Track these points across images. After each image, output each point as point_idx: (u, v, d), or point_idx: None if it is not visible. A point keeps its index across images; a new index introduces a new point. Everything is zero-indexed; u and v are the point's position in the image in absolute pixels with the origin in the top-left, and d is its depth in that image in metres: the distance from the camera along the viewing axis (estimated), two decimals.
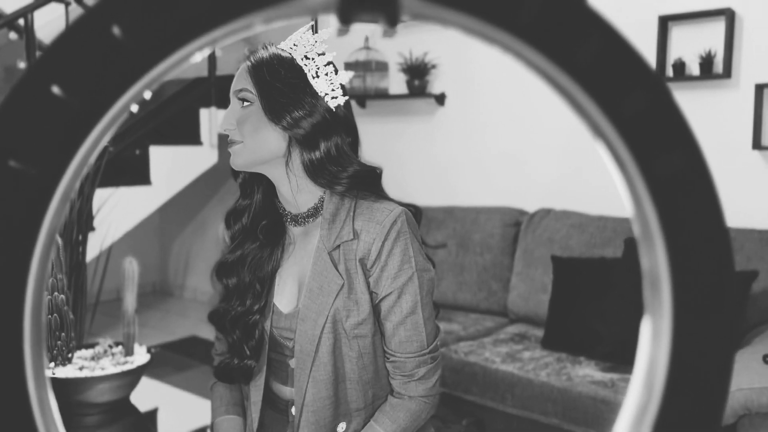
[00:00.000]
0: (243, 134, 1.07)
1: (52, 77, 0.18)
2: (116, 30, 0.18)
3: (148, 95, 0.20)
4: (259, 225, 1.17)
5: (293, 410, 1.16)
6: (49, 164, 0.19)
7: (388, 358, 1.14)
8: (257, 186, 1.18)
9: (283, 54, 1.10)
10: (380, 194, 1.15)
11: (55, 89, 0.18)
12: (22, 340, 0.20)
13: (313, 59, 1.10)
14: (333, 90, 1.09)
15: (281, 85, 1.06)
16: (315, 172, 1.08)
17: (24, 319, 0.20)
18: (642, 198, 0.21)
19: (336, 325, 1.09)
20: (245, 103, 1.08)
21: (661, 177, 0.20)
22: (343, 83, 1.12)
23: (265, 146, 1.07)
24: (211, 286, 1.26)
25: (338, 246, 1.10)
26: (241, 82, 1.09)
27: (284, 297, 1.17)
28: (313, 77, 1.08)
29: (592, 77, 0.20)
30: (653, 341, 0.22)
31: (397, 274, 1.09)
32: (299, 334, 1.11)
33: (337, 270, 1.09)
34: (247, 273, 1.16)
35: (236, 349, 1.18)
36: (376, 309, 1.12)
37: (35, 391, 0.20)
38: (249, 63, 1.10)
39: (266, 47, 1.12)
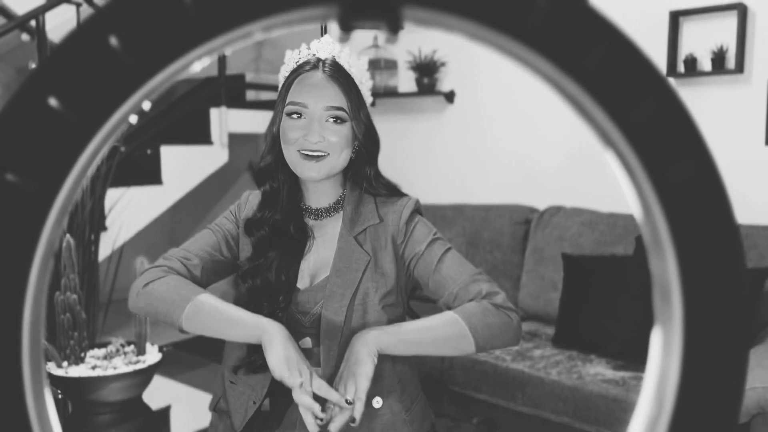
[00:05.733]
0: (332, 149, 1.16)
1: (49, 89, 0.18)
2: (114, 40, 0.18)
3: (147, 106, 0.20)
4: (283, 231, 1.22)
5: None
6: (47, 177, 0.19)
7: (451, 305, 1.16)
8: (284, 192, 1.24)
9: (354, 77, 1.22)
10: (393, 194, 1.28)
11: (53, 101, 0.18)
12: (21, 355, 0.19)
13: (365, 85, 1.23)
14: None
15: (365, 111, 1.20)
16: (373, 183, 1.24)
17: (23, 333, 0.19)
18: (651, 206, 0.20)
19: (366, 298, 1.18)
20: (338, 121, 1.17)
21: (672, 185, 0.20)
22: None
23: (343, 161, 1.19)
24: (232, 287, 1.27)
25: (364, 230, 1.22)
26: (336, 99, 1.17)
27: (298, 275, 1.22)
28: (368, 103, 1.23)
29: (600, 84, 0.19)
30: (664, 352, 0.21)
31: (423, 238, 1.20)
32: (326, 311, 1.17)
33: (363, 248, 1.20)
34: (275, 274, 1.20)
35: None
36: (415, 272, 1.20)
37: (34, 404, 0.20)
38: (338, 81, 1.17)
39: (339, 63, 1.20)
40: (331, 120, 1.17)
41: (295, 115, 1.18)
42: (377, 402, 1.18)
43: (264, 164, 1.24)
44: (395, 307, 1.22)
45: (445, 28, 0.20)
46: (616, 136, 0.20)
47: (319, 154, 1.16)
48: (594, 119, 0.20)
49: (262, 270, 1.21)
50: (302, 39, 1.38)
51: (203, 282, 1.23)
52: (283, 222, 1.23)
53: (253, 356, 1.18)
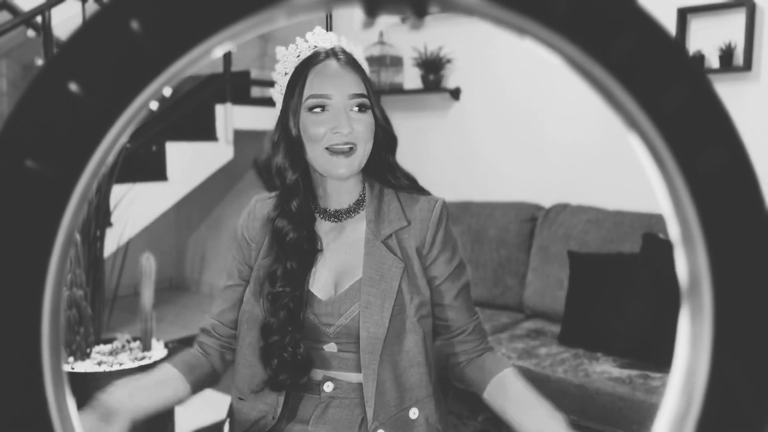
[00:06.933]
0: (360, 139, 1.11)
1: (70, 74, 0.18)
2: (135, 25, 0.18)
3: (167, 92, 0.20)
4: (294, 242, 1.15)
5: (326, 387, 1.16)
6: (67, 164, 0.18)
7: (460, 334, 1.20)
8: (297, 197, 1.16)
9: None
10: (414, 187, 1.23)
11: (73, 86, 0.18)
12: (41, 341, 0.19)
13: (367, 72, 1.18)
14: None
15: (378, 97, 1.17)
16: (395, 170, 1.20)
17: (42, 320, 0.19)
18: (682, 197, 0.20)
19: (402, 308, 1.13)
20: (362, 109, 1.12)
21: (703, 175, 0.19)
22: None
23: (369, 152, 1.13)
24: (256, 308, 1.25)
25: (392, 234, 1.16)
26: (357, 86, 1.12)
27: (319, 283, 1.17)
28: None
29: (630, 71, 0.19)
30: (692, 345, 0.21)
31: (451, 259, 1.18)
32: (365, 320, 1.12)
33: (395, 255, 1.15)
34: (285, 300, 1.15)
35: (286, 367, 1.15)
36: (434, 292, 1.18)
37: (53, 390, 0.20)
38: (354, 68, 1.13)
39: (347, 51, 1.16)
40: (356, 109, 1.11)
41: (318, 109, 1.10)
42: (413, 413, 1.15)
43: (279, 163, 1.15)
44: (428, 318, 1.18)
45: (470, 13, 0.20)
46: (646, 125, 0.19)
47: (349, 147, 1.10)
48: (623, 107, 0.20)
49: (277, 296, 1.14)
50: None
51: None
52: (297, 237, 1.15)
53: (283, 375, 1.13)
